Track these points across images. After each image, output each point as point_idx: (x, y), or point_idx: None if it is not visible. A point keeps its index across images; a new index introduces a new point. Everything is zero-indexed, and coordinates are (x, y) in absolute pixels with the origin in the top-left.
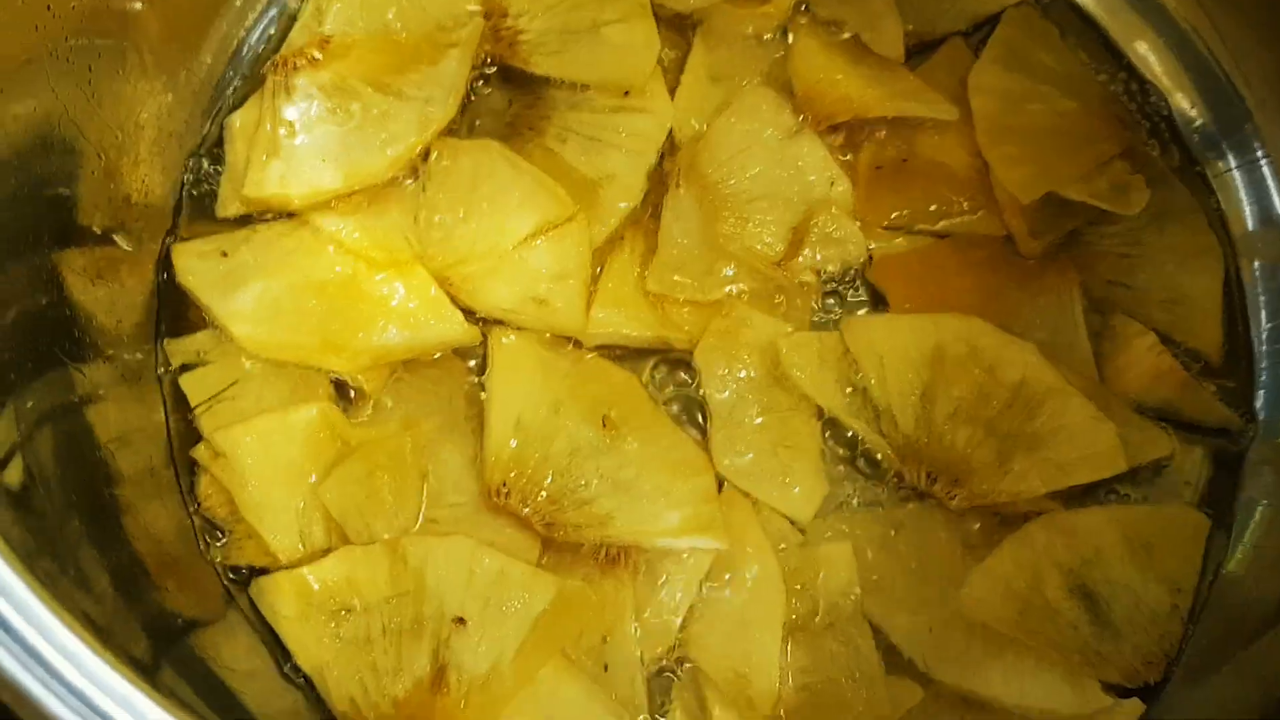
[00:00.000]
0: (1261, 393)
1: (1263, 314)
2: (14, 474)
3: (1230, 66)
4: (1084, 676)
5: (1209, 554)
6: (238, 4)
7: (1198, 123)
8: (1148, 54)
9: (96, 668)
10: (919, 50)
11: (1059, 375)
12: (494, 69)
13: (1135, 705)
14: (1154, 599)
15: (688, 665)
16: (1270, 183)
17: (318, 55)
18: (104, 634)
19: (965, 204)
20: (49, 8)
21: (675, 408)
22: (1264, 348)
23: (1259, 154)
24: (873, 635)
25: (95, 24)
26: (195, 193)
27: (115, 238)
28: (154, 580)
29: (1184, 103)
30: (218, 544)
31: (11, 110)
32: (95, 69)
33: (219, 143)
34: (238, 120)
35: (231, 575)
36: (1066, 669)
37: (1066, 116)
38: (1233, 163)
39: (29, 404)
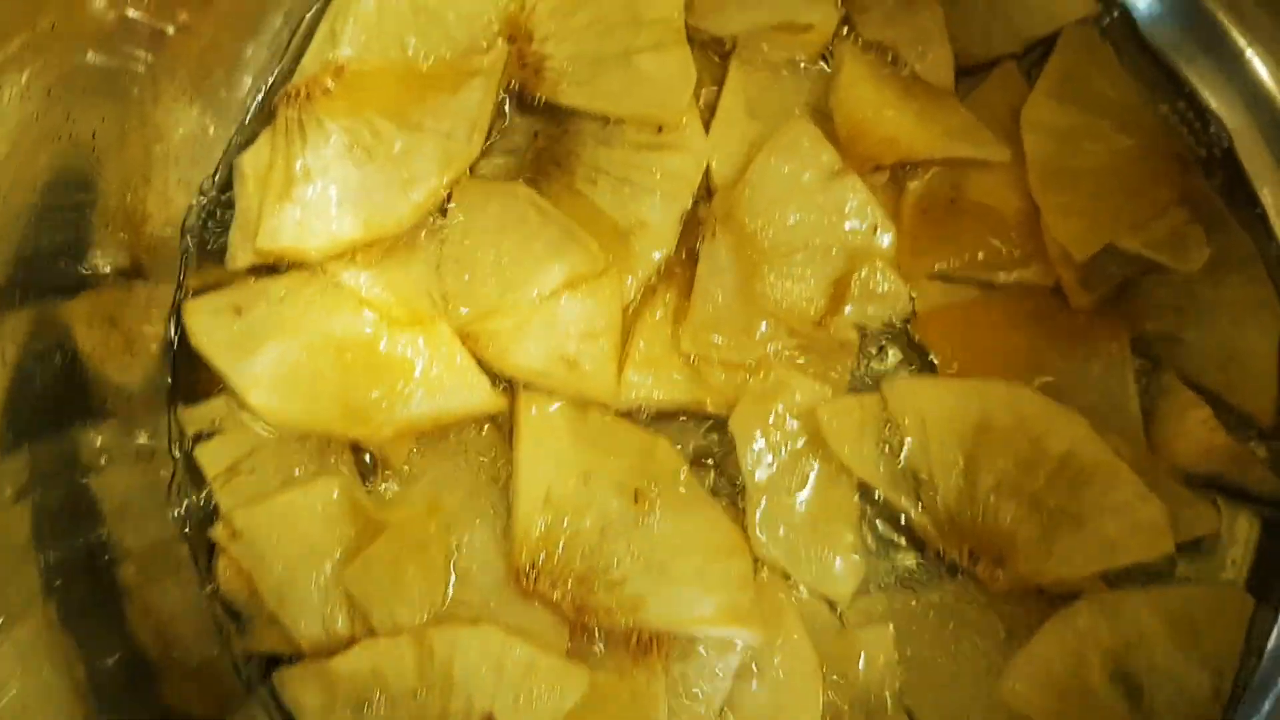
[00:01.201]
0: None
1: None
2: (12, 541)
3: None
4: None
5: (1251, 634)
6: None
7: (1259, 158)
8: (1208, 80)
9: None
10: (969, 73)
11: (1107, 447)
12: (519, 97)
13: None
14: (1195, 684)
15: None
16: None
17: (331, 85)
18: None
19: (1015, 252)
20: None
21: (709, 475)
22: None
23: None
24: None
25: (123, 45)
26: (207, 240)
27: (124, 293)
28: (160, 670)
29: (1245, 136)
30: (237, 631)
31: (21, 161)
32: (116, 102)
33: (229, 185)
34: (248, 160)
35: (253, 665)
36: None
37: (1124, 156)
38: None
39: (30, 468)
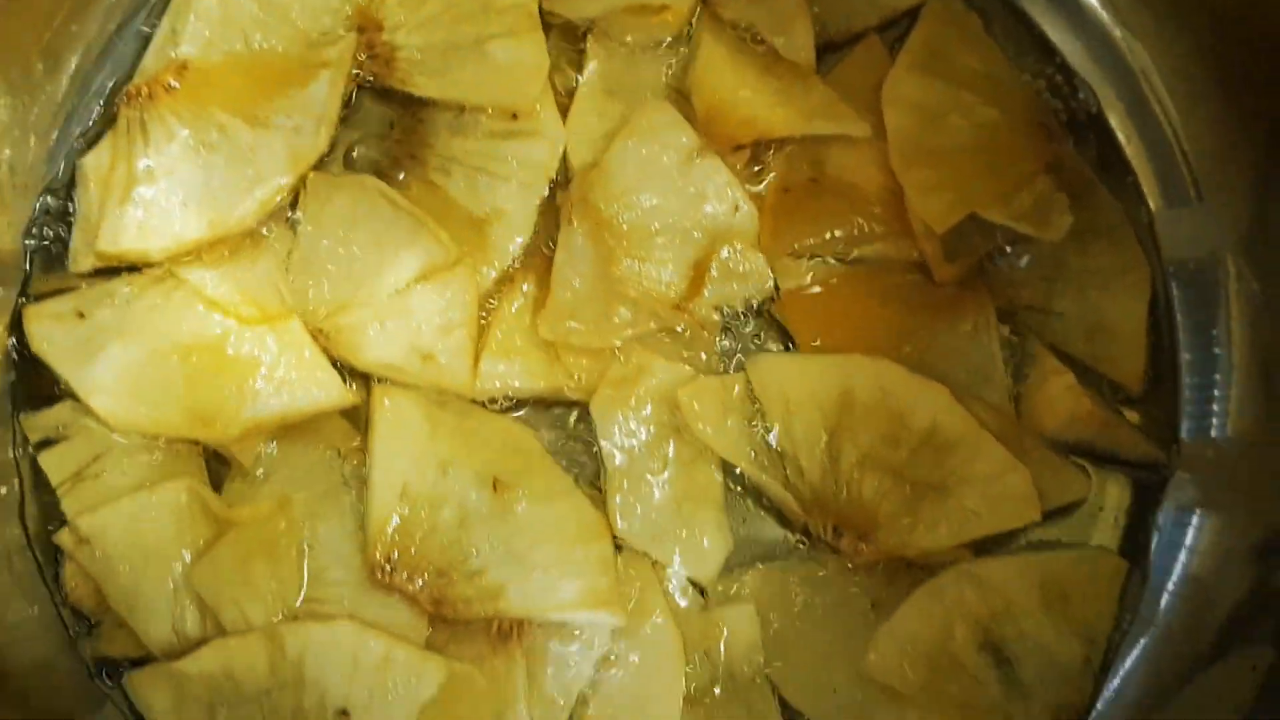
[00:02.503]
0: (1189, 410)
1: (1184, 330)
2: None
3: (1151, 70)
4: None
5: (1124, 599)
6: (94, 27)
7: (1128, 125)
8: (1075, 46)
9: None
10: (832, 49)
11: (971, 419)
12: (372, 89)
13: None
14: (1066, 653)
15: None
16: (1190, 188)
17: (175, 83)
18: None
19: (877, 228)
20: None
21: (571, 462)
22: (1188, 369)
23: (1184, 169)
24: (776, 700)
25: None
26: (48, 244)
27: None
28: (11, 681)
29: (1113, 103)
30: (86, 636)
31: None
32: None
33: (72, 185)
34: (90, 162)
35: (103, 670)
36: None
37: (988, 129)
38: (1154, 167)
39: None
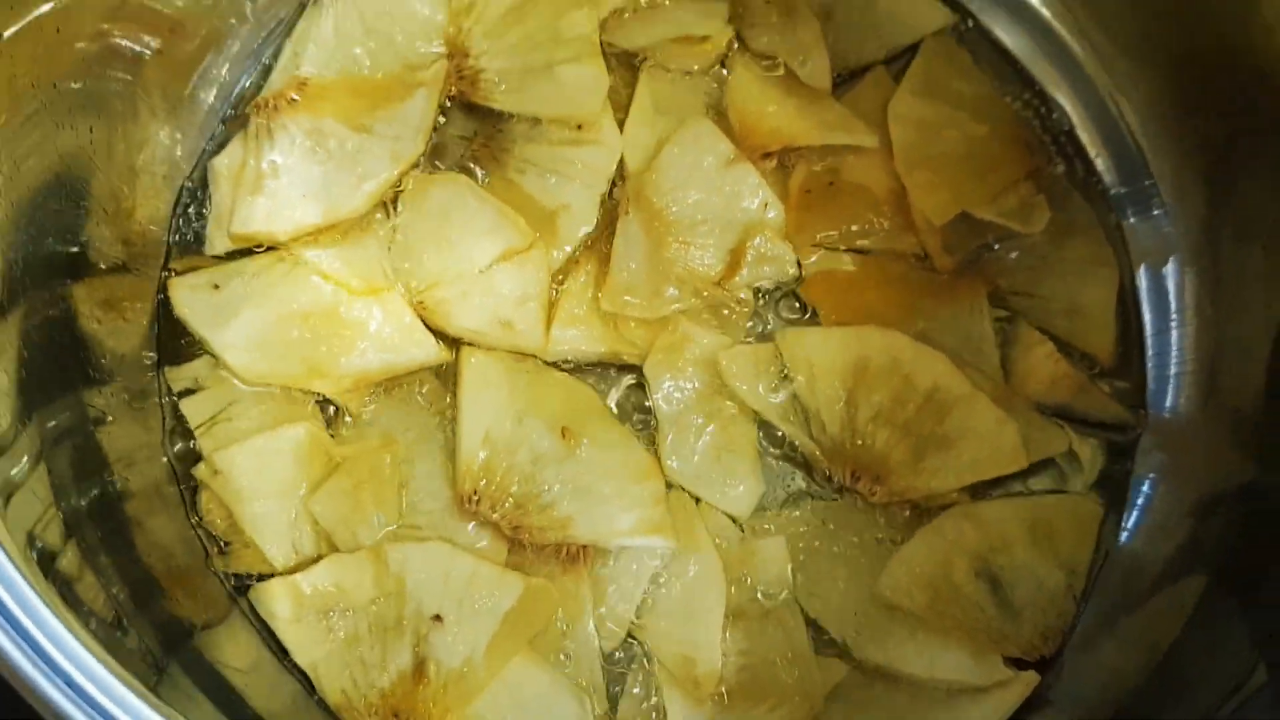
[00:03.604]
0: (1151, 388)
1: (1148, 318)
2: (38, 489)
3: (1118, 98)
4: (988, 652)
5: (1100, 538)
6: (234, 50)
7: (1096, 141)
8: (1051, 75)
9: (102, 674)
10: (845, 79)
11: (967, 381)
12: (459, 103)
13: (1032, 676)
14: (1052, 581)
15: (640, 650)
16: (1151, 199)
17: (296, 97)
18: (116, 641)
19: (885, 224)
20: (57, 54)
21: (628, 416)
22: (1151, 351)
23: (1146, 181)
24: (804, 618)
25: (106, 68)
26: (187, 231)
27: (117, 274)
28: (163, 588)
29: (1083, 124)
30: (219, 554)
31: (26, 163)
32: (102, 115)
33: (205, 184)
34: (221, 162)
35: (233, 582)
36: (972, 646)
37: (978, 142)
38: (1120, 179)
39: (47, 426)
